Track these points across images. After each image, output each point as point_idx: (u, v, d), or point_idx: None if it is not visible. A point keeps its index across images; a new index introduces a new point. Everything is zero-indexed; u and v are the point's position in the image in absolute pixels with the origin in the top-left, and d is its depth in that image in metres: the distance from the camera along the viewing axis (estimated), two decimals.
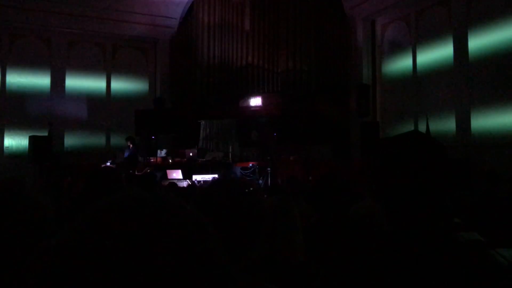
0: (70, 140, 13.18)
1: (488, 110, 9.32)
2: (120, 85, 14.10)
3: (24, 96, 12.81)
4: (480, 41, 9.55)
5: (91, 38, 13.81)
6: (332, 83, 12.84)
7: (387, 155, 1.21)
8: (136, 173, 10.05)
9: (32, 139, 11.25)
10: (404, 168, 1.16)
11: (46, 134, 11.57)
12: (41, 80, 13.09)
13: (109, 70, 14.02)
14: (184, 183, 9.60)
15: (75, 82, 13.49)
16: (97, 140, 13.62)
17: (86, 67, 13.65)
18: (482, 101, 9.44)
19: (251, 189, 1.30)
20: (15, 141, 12.63)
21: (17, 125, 12.60)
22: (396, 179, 1.17)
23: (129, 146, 10.79)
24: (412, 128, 11.13)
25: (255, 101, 13.22)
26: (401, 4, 11.61)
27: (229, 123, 13.26)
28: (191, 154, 11.80)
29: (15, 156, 12.38)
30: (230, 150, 12.18)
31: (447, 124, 10.18)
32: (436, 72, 10.68)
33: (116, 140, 13.32)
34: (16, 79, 12.75)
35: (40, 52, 13.19)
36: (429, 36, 10.97)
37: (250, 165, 11.53)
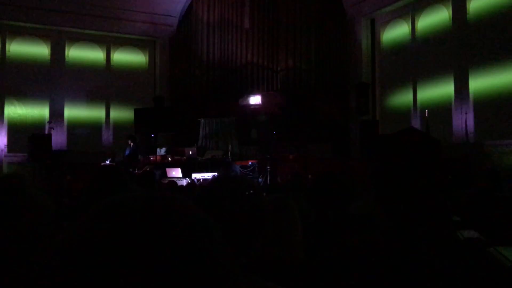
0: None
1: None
2: (120, 83, 14.09)
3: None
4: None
5: (90, 37, 13.81)
6: (331, 82, 12.83)
7: (385, 154, 1.21)
8: (136, 171, 10.04)
9: (32, 138, 11.24)
10: (401, 166, 1.16)
11: (45, 132, 11.59)
12: (41, 83, 13.09)
13: (108, 69, 14.01)
14: (184, 182, 9.59)
15: (75, 81, 13.50)
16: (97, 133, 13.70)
17: (86, 66, 13.66)
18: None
19: (252, 191, 1.30)
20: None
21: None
22: (394, 178, 1.17)
23: (130, 144, 10.78)
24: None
25: (255, 100, 13.21)
26: (400, 3, 11.63)
27: (228, 121, 13.26)
28: (190, 152, 11.79)
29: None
30: (230, 148, 12.18)
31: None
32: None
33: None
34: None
35: (39, 51, 13.18)
36: (429, 33, 11.00)
37: (250, 163, 11.54)
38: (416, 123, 10.93)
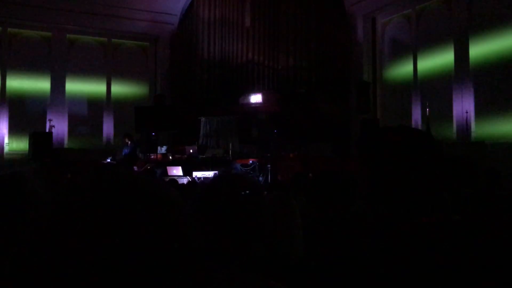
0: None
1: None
2: (120, 82, 14.09)
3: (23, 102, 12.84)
4: None
5: (91, 35, 13.80)
6: (332, 80, 12.82)
7: (379, 154, 1.21)
8: (136, 169, 10.04)
9: (32, 136, 11.25)
10: (398, 166, 1.16)
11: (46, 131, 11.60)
12: (41, 84, 13.10)
13: (109, 67, 14.01)
14: (184, 180, 9.60)
15: (75, 79, 13.51)
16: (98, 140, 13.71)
17: (86, 63, 13.67)
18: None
19: (252, 190, 1.30)
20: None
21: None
22: (391, 177, 1.17)
23: (127, 143, 10.75)
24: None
25: (255, 98, 13.20)
26: (401, 1, 11.62)
27: (229, 120, 13.25)
28: (191, 150, 11.79)
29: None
30: (230, 147, 12.18)
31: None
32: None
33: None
34: (16, 81, 12.78)
35: (40, 50, 13.18)
36: (430, 32, 11.01)
37: (250, 162, 11.53)
38: (416, 114, 11.03)
